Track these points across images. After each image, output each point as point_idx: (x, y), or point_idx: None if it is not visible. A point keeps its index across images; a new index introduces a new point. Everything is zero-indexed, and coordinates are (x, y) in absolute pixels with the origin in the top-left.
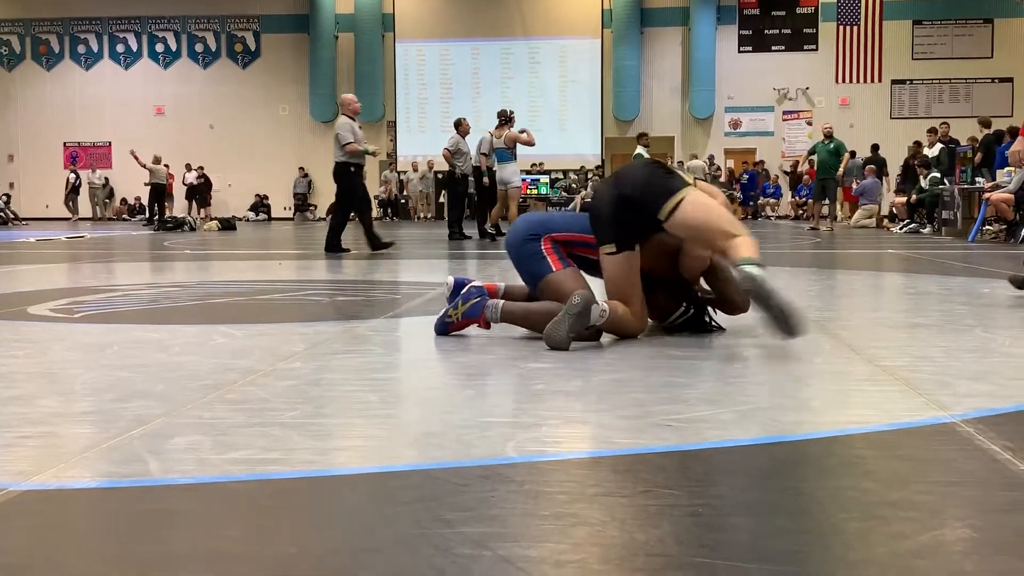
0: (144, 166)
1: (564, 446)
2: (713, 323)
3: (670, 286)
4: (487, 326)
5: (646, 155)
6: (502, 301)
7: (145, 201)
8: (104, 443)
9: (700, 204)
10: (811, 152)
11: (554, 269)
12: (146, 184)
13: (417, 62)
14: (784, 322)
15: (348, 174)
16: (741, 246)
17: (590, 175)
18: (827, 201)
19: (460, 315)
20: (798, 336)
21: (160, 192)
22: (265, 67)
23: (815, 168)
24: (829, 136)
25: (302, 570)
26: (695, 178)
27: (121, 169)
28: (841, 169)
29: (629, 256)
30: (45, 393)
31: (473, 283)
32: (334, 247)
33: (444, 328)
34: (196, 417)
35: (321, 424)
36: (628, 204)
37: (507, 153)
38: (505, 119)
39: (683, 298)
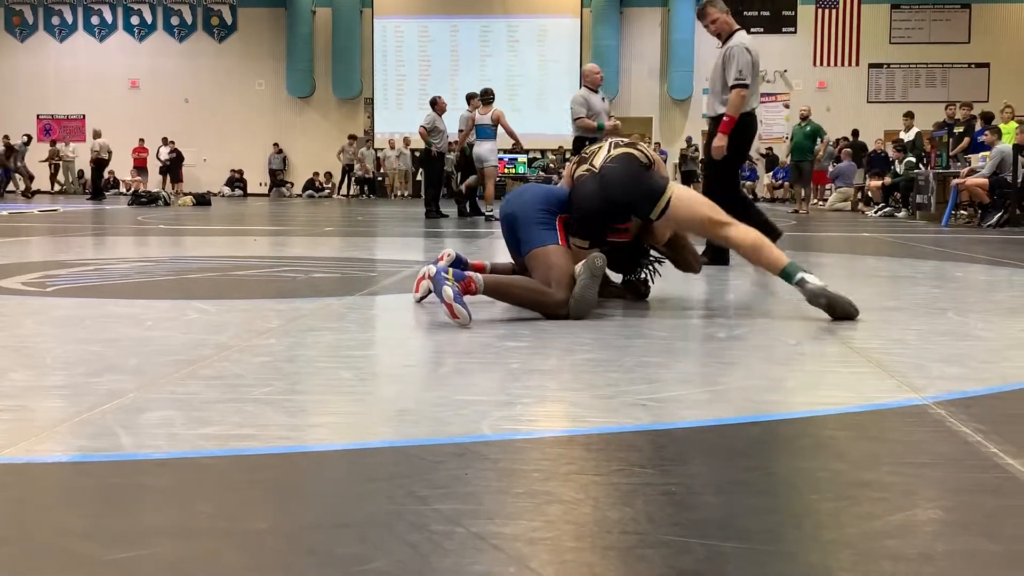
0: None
1: (538, 424)
2: (646, 286)
3: (630, 250)
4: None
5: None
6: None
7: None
8: (76, 417)
9: (685, 199)
10: (791, 137)
11: (559, 243)
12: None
13: (395, 38)
14: (847, 314)
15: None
16: (765, 249)
17: (568, 155)
18: (802, 184)
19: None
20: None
21: (102, 166)
22: (242, 41)
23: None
24: (805, 118)
25: (275, 546)
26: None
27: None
28: (821, 152)
29: (592, 252)
30: (16, 367)
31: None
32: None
33: (460, 298)
34: (169, 392)
35: (295, 400)
36: (617, 208)
37: (490, 131)
38: (492, 98)
39: (639, 261)
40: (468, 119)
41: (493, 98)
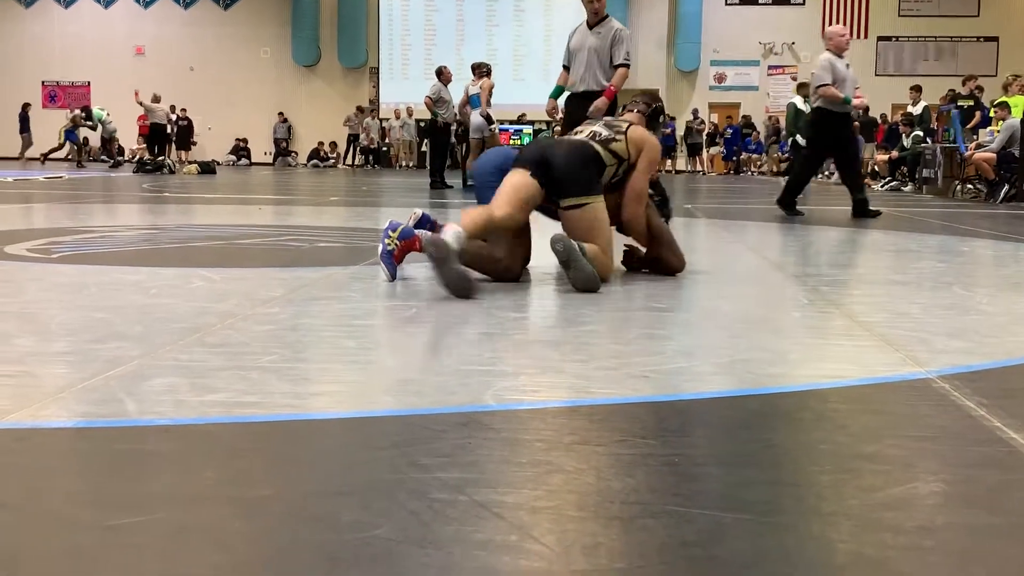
0: (141, 104)
1: (541, 395)
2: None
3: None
4: (419, 247)
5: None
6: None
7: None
8: (81, 383)
9: (587, 219)
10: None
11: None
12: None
13: (401, 7)
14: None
15: (831, 123)
16: (599, 258)
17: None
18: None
19: (398, 238)
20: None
21: (160, 133)
22: (247, 9)
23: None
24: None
25: (278, 513)
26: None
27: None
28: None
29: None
30: (21, 333)
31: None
32: (788, 206)
33: (388, 256)
34: (173, 359)
35: (299, 369)
36: (552, 180)
37: (477, 98)
38: (487, 70)
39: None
40: (439, 91)
41: (487, 71)
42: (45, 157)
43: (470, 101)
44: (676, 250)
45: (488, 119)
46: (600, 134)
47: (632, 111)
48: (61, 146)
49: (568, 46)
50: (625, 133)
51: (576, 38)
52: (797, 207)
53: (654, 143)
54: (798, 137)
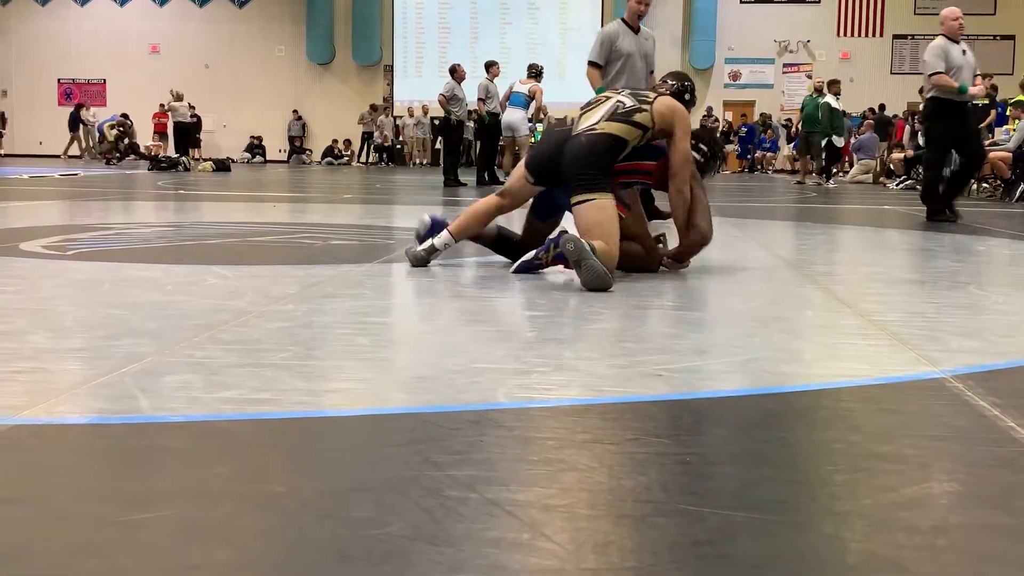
0: (166, 106)
1: (554, 393)
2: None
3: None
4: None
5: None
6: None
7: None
8: (95, 380)
9: (592, 214)
10: (802, 107)
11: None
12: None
13: (415, 5)
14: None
15: (948, 114)
16: (606, 252)
17: None
18: (811, 156)
19: (551, 257)
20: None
21: (185, 132)
22: (261, 6)
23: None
24: (819, 90)
25: (290, 509)
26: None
27: (116, 108)
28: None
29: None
30: (36, 329)
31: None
32: (936, 214)
33: (528, 270)
34: (188, 356)
35: (313, 366)
36: (560, 180)
37: (524, 100)
38: (538, 72)
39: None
40: (486, 87)
41: (538, 73)
42: (109, 160)
43: (511, 98)
44: (708, 217)
45: (531, 121)
46: (624, 104)
47: (662, 91)
48: (115, 146)
49: (615, 47)
50: (652, 103)
51: (626, 42)
52: (952, 210)
53: (683, 111)
54: (834, 138)
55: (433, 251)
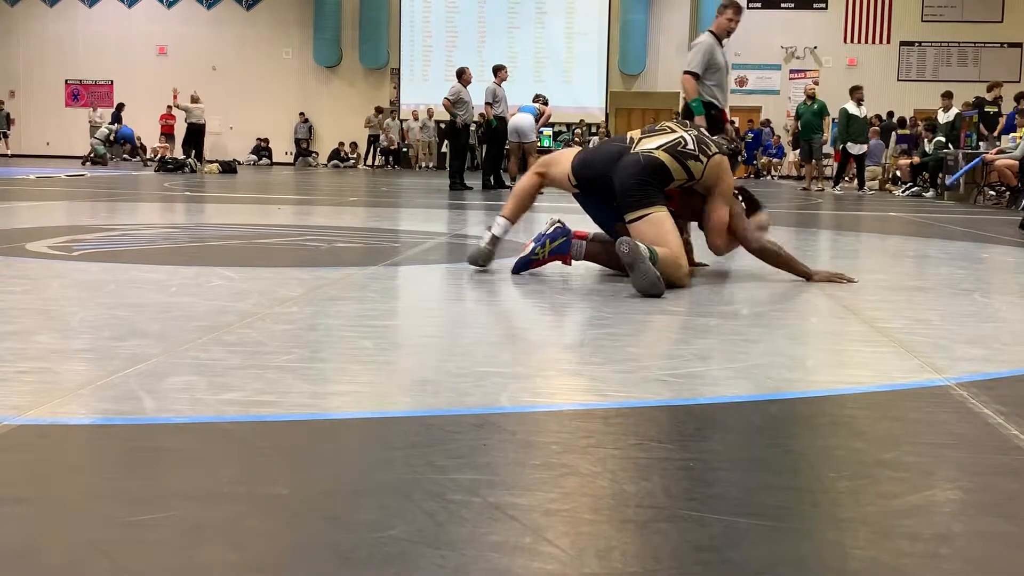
0: (179, 107)
1: (557, 397)
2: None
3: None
4: (569, 263)
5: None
6: (585, 241)
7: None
8: (100, 380)
9: (651, 228)
10: (797, 115)
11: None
12: (187, 123)
13: (423, 8)
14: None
15: None
16: (671, 262)
17: (595, 129)
18: (814, 162)
19: (547, 252)
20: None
21: (197, 134)
22: (269, 9)
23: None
24: (811, 97)
25: (293, 511)
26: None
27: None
28: (826, 134)
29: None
30: (42, 329)
31: (558, 224)
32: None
33: (526, 266)
34: (192, 357)
35: (316, 368)
36: (604, 182)
37: (533, 108)
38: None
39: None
40: (493, 91)
41: (545, 102)
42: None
43: (521, 107)
44: (748, 225)
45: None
46: (685, 144)
47: (722, 149)
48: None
49: (714, 60)
50: (710, 158)
51: (719, 55)
52: None
53: (730, 181)
54: (849, 145)
55: (496, 241)
